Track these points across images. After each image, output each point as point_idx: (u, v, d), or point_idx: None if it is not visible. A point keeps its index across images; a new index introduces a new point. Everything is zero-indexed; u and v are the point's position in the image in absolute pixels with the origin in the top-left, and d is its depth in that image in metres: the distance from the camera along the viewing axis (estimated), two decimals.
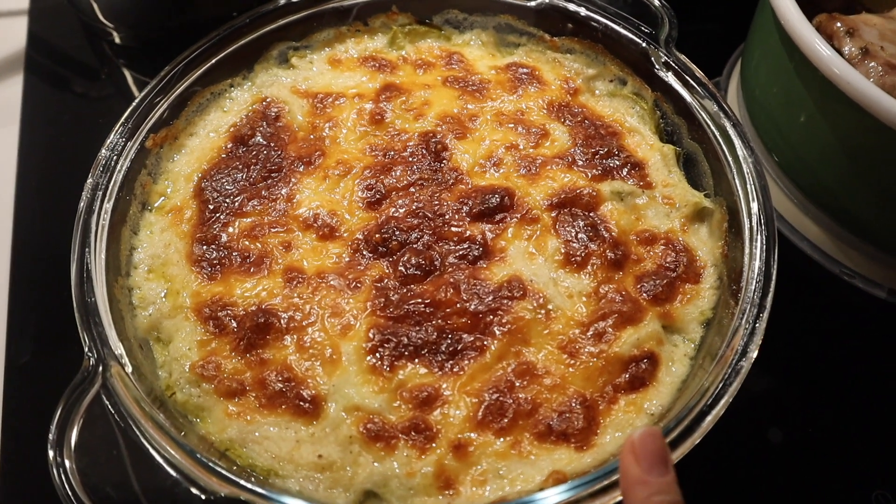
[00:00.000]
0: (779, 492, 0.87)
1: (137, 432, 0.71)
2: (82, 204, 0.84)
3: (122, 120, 0.91)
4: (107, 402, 0.72)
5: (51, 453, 0.69)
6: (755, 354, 0.73)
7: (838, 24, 0.97)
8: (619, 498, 0.66)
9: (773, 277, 0.77)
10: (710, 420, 0.69)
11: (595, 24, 1.01)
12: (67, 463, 0.69)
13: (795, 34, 0.88)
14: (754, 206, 0.82)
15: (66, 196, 1.03)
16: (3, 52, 1.26)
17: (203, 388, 0.78)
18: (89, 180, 0.86)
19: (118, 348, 0.76)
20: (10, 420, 0.91)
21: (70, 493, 0.67)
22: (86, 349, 0.74)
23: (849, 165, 0.91)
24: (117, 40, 1.23)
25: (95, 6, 1.16)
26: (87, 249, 0.81)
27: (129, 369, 0.75)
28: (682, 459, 0.69)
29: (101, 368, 0.74)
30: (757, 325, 0.75)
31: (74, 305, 0.77)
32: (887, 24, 0.99)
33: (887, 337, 0.98)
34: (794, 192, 1.01)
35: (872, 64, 0.93)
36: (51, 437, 0.70)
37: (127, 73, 1.26)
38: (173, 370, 0.80)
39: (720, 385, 0.71)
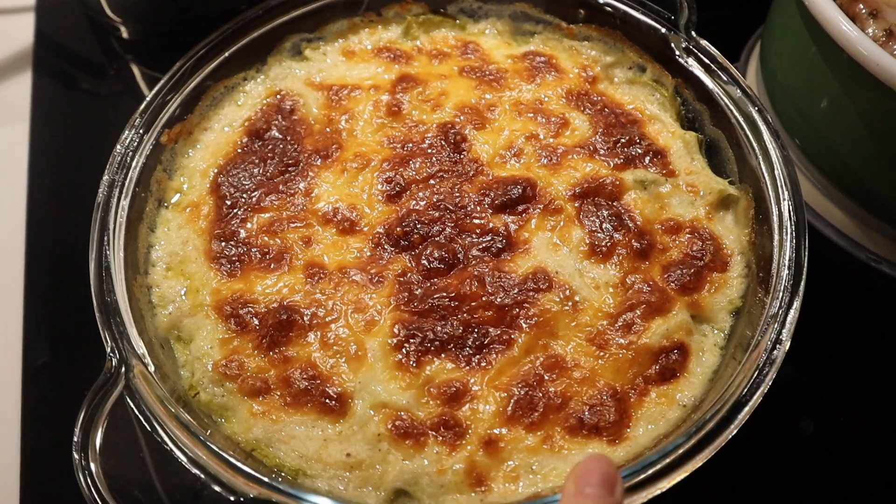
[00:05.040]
0: (812, 482, 0.86)
1: (162, 433, 0.70)
2: (99, 201, 0.83)
3: (136, 116, 0.89)
4: (130, 404, 0.71)
5: (76, 457, 0.68)
6: (789, 344, 0.72)
7: (861, 7, 0.95)
8: (657, 492, 0.65)
9: (805, 266, 0.76)
10: (746, 411, 0.68)
11: (612, 11, 1.00)
12: (93, 466, 0.68)
13: (821, 15, 0.86)
14: (783, 194, 0.81)
15: (79, 193, 1.03)
16: (11, 49, 1.25)
17: (227, 388, 0.77)
18: (105, 177, 0.84)
19: (140, 348, 0.75)
20: (29, 422, 0.90)
21: (97, 496, 0.66)
22: (108, 350, 0.73)
23: (875, 148, 0.90)
24: (125, 35, 1.22)
25: (103, 1, 1.15)
26: (105, 247, 0.79)
27: (151, 369, 0.73)
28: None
29: (123, 369, 0.72)
30: (790, 314, 0.73)
31: (95, 305, 0.76)
32: None
33: None
34: (816, 176, 0.99)
35: None
36: (75, 440, 0.68)
37: (135, 69, 1.25)
38: (195, 370, 0.79)
39: (755, 375, 0.70)
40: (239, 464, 0.68)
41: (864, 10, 0.95)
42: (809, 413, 0.90)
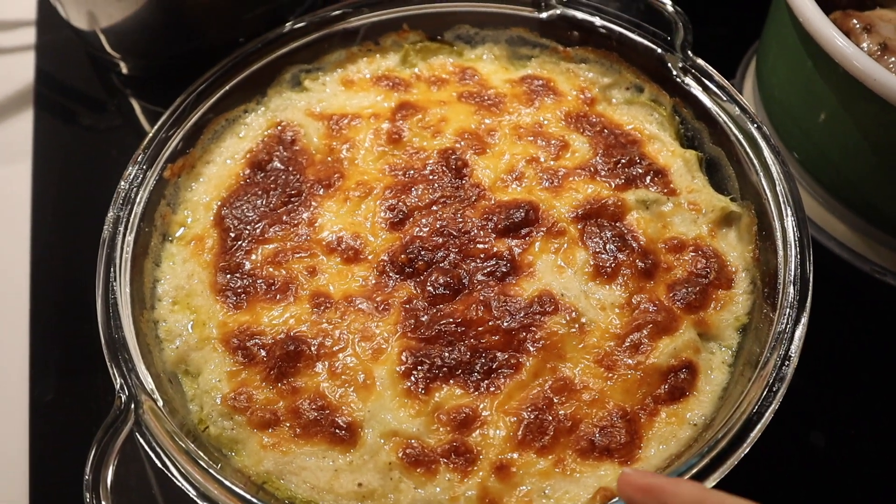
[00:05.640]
0: (824, 497, 0.85)
1: (173, 468, 0.69)
2: (104, 237, 0.83)
3: (139, 151, 0.90)
4: (140, 440, 0.71)
5: (87, 497, 0.67)
6: (797, 359, 0.72)
7: (854, 21, 0.96)
8: None
9: (811, 281, 0.76)
10: (758, 429, 0.68)
11: (608, 33, 1.00)
12: None
13: (815, 31, 0.87)
14: (786, 210, 0.81)
15: (82, 229, 1.03)
16: (12, 88, 1.25)
17: (236, 421, 0.77)
18: (110, 213, 0.85)
19: (149, 383, 0.75)
20: (37, 460, 0.89)
21: None
22: (117, 386, 0.73)
23: (874, 160, 0.90)
24: (125, 71, 1.22)
25: (102, 38, 1.15)
26: (112, 283, 0.79)
27: (161, 404, 0.73)
28: None
29: (133, 406, 0.72)
30: (798, 330, 0.73)
31: (103, 342, 0.76)
32: None
33: None
34: (817, 190, 1.00)
35: (892, 59, 0.92)
36: (86, 479, 0.68)
37: (135, 104, 1.25)
38: (204, 403, 0.79)
39: (765, 392, 0.70)
40: (250, 497, 0.67)
41: (858, 25, 0.96)
42: (818, 426, 0.89)
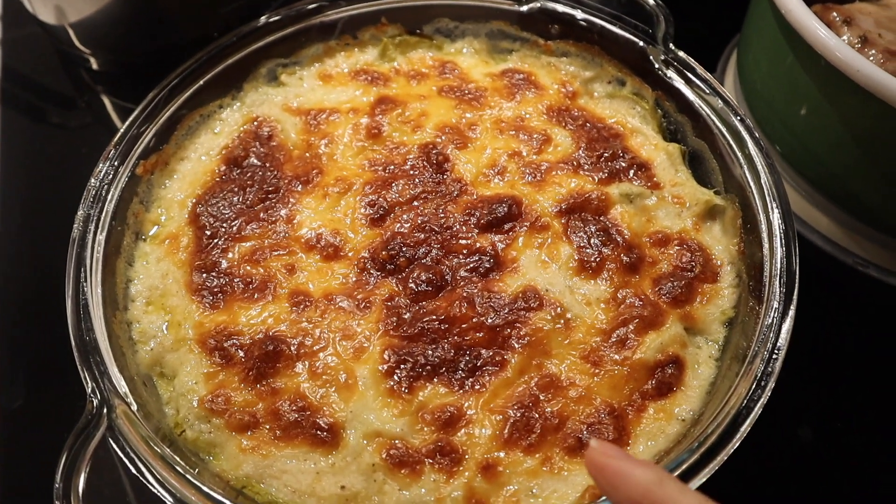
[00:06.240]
0: (813, 490, 0.85)
1: (148, 474, 0.67)
2: (74, 236, 0.80)
3: (111, 147, 0.87)
4: (113, 446, 0.68)
5: None
6: (784, 353, 0.71)
7: (834, 14, 0.96)
8: None
9: (797, 274, 0.75)
10: (748, 424, 0.67)
11: (589, 26, 0.99)
12: None
13: (798, 23, 0.87)
14: (771, 203, 0.80)
15: (52, 229, 1.00)
16: None
17: (214, 424, 0.75)
18: (80, 212, 0.82)
19: (122, 387, 0.72)
20: (6, 468, 0.86)
21: None
22: (88, 390, 0.71)
23: (858, 153, 0.90)
24: (95, 66, 1.19)
25: (71, 32, 1.12)
26: (82, 284, 0.77)
27: (134, 408, 0.71)
28: None
29: (105, 410, 0.70)
30: (785, 323, 0.73)
31: (73, 344, 0.73)
32: (882, 12, 0.98)
33: None
34: (800, 183, 0.99)
35: (872, 52, 0.92)
36: (56, 487, 0.65)
37: (106, 100, 1.22)
38: (180, 406, 0.76)
39: (753, 386, 0.69)
40: (229, 502, 0.65)
41: (838, 18, 0.96)
42: (805, 419, 0.89)
